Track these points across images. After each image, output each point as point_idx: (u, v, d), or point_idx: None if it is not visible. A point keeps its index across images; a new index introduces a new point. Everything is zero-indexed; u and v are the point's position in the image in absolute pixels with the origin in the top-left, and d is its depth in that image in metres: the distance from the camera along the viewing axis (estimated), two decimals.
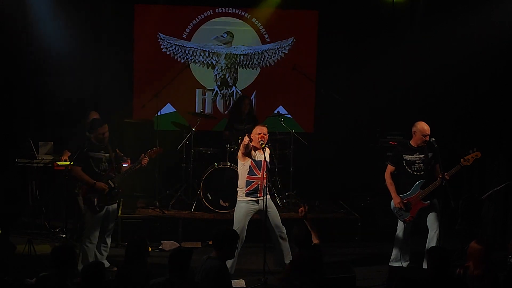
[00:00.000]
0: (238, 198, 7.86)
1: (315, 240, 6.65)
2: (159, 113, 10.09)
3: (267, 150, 8.02)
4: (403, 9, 11.11)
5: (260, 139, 7.71)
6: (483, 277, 5.73)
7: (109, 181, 7.78)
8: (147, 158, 7.92)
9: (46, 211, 9.58)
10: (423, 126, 7.97)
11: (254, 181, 7.78)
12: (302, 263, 6.15)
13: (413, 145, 8.04)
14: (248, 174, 7.78)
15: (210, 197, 9.59)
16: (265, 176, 7.74)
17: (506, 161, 9.59)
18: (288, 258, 7.70)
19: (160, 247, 8.96)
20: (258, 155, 7.83)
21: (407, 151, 8.05)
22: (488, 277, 5.73)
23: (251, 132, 7.86)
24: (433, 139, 7.88)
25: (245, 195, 7.79)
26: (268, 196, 7.81)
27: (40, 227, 9.38)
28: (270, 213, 7.77)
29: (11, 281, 7.29)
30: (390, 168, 8.13)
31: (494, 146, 9.79)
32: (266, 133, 7.84)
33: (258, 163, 7.79)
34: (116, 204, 8.11)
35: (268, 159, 7.89)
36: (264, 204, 7.61)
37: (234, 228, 7.65)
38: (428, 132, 7.94)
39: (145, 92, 10.47)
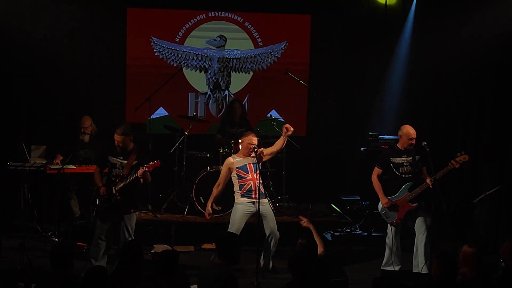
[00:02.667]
0: (235, 201, 8.08)
1: (320, 249, 6.65)
2: (151, 117, 10.09)
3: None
4: (396, 12, 11.13)
5: (250, 150, 8.00)
6: (477, 279, 5.75)
7: (113, 187, 7.74)
8: (143, 169, 7.62)
9: (38, 214, 9.56)
10: (408, 130, 8.06)
11: (246, 183, 7.98)
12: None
13: (400, 148, 8.12)
14: (238, 180, 8.03)
15: (202, 201, 9.57)
16: (256, 177, 7.90)
17: (497, 165, 9.62)
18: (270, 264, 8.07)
19: (152, 251, 8.94)
20: (242, 161, 8.04)
21: (395, 154, 8.13)
22: (482, 279, 5.76)
23: (245, 136, 8.05)
24: (425, 143, 7.92)
25: (241, 197, 8.00)
26: (266, 200, 8.10)
27: (32, 230, 9.34)
28: (267, 217, 7.92)
29: (3, 285, 7.27)
30: (377, 170, 8.22)
31: (485, 149, 9.83)
32: (256, 144, 8.05)
33: (243, 168, 8.01)
34: (129, 217, 7.77)
35: (256, 162, 8.03)
36: (257, 207, 7.71)
37: (229, 228, 7.85)
38: (414, 135, 8.02)
39: (138, 96, 10.45)
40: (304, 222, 7.16)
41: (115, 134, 7.77)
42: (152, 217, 9.54)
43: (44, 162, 9.35)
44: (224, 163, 8.25)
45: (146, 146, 9.55)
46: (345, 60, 11.21)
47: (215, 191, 8.17)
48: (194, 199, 9.54)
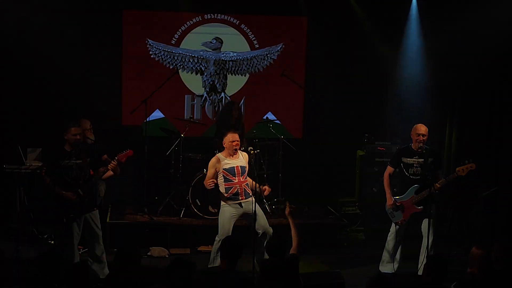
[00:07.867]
0: (221, 203, 8.04)
1: (293, 246, 6.62)
2: (147, 119, 10.07)
3: (245, 155, 8.15)
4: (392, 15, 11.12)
5: (234, 147, 7.92)
6: (486, 280, 5.79)
7: (79, 190, 7.57)
8: (115, 162, 7.51)
9: (34, 217, 9.54)
10: (416, 126, 8.03)
11: (232, 187, 7.93)
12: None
13: (413, 148, 8.07)
14: (224, 182, 7.96)
15: (199, 203, 9.58)
16: (242, 180, 7.89)
17: (494, 167, 9.63)
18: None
19: (148, 253, 8.94)
20: (229, 163, 7.95)
21: (407, 154, 8.09)
22: (491, 280, 5.80)
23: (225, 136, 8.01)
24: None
25: (227, 200, 7.96)
26: (251, 199, 7.85)
27: (28, 233, 9.33)
28: (256, 215, 7.81)
29: None
30: (389, 169, 8.22)
31: (482, 152, 9.83)
32: (238, 139, 7.98)
33: (230, 170, 7.94)
34: (94, 214, 7.77)
35: (243, 164, 8.01)
36: (248, 208, 7.71)
37: (219, 232, 7.87)
38: (421, 131, 7.94)
39: (134, 98, 10.43)
40: (287, 210, 7.06)
41: (73, 128, 7.53)
42: (148, 220, 9.53)
43: (40, 164, 9.31)
44: (210, 164, 8.05)
45: (142, 149, 9.54)
46: (340, 62, 11.20)
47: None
48: (190, 201, 9.54)
